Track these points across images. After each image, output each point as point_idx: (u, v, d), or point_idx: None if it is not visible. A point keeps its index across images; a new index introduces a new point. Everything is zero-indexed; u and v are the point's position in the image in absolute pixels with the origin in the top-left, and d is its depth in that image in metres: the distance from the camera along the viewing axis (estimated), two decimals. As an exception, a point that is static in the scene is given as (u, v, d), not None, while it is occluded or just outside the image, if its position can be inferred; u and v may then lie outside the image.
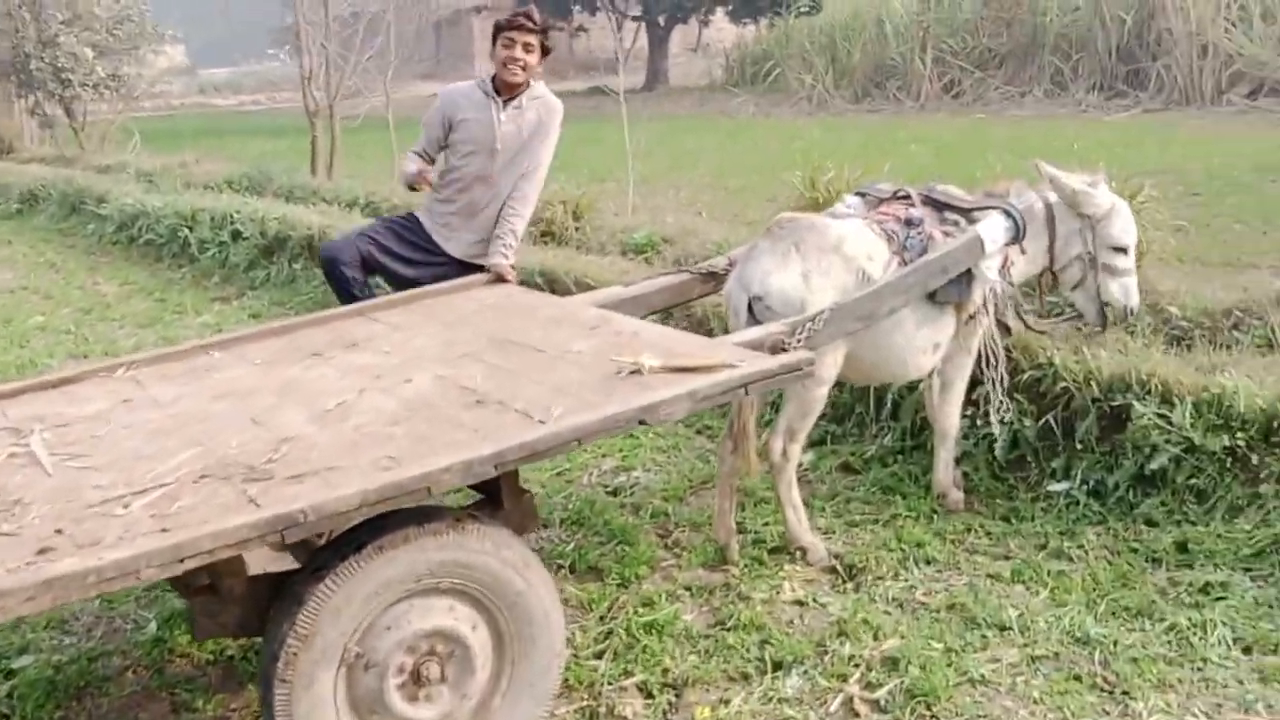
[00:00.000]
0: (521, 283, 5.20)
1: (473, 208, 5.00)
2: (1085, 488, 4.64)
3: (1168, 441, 4.39)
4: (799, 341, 3.88)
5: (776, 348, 3.79)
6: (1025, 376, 4.90)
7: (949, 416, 4.74)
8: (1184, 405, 4.39)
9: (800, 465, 5.23)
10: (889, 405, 5.39)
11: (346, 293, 4.95)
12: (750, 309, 4.20)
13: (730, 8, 32.14)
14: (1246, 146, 13.29)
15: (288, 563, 3.33)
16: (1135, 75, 19.51)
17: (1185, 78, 18.31)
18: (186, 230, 11.18)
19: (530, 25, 4.92)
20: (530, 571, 3.10)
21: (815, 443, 5.52)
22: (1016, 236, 4.45)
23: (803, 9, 26.07)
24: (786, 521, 4.43)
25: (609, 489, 5.25)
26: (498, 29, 4.96)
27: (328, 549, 2.96)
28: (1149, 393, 4.52)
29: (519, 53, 4.90)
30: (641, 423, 3.08)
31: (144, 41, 21.21)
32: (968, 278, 4.37)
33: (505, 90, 5.00)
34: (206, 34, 57.57)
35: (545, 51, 5.00)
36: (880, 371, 4.51)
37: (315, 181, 12.90)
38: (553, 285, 7.11)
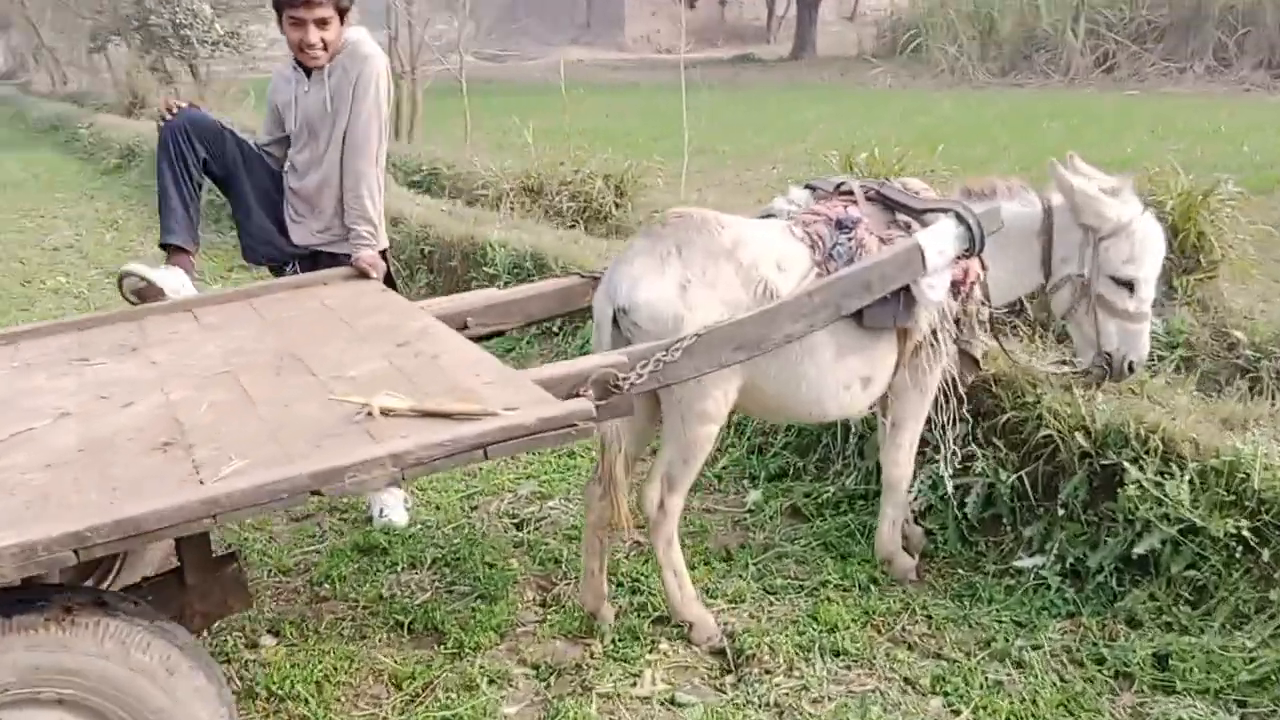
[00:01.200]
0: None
1: (307, 194, 4.23)
2: (1061, 566, 3.67)
3: (1164, 519, 3.39)
4: (640, 378, 3.04)
5: (606, 385, 2.95)
6: (1006, 418, 3.93)
7: (896, 465, 3.82)
8: (1183, 474, 3.38)
9: (744, 505, 4.42)
10: (854, 439, 4.47)
11: (174, 157, 4.10)
12: (617, 324, 3.36)
13: (882, -26, 30.65)
14: None
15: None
16: (1309, 52, 17.62)
17: (1364, 57, 16.41)
18: (237, 194, 10.74)
19: None
20: (178, 680, 2.35)
21: (773, 476, 4.65)
22: (973, 247, 3.49)
23: (955, -23, 24.55)
24: (666, 590, 3.60)
25: (515, 520, 4.46)
26: (278, 7, 4.04)
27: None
28: (1149, 452, 3.52)
29: (312, 34, 4.00)
30: (315, 493, 2.29)
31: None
32: (907, 298, 3.44)
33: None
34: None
35: (343, 12, 4.07)
36: (789, 408, 3.62)
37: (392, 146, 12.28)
38: (541, 269, 6.37)
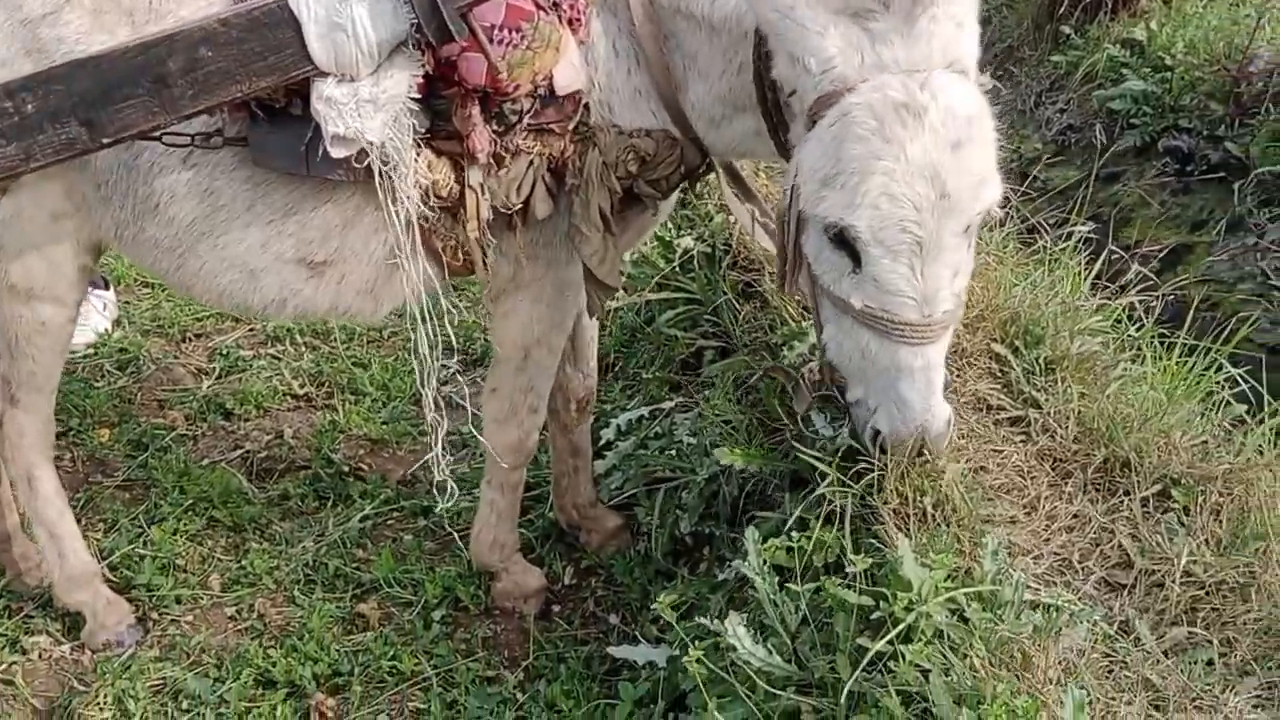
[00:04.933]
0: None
1: None
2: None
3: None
4: None
5: None
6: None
7: (492, 420, 2.19)
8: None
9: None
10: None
11: None
12: None
13: None
14: None
15: None
16: None
17: None
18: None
19: None
20: None
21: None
22: (428, 32, 1.64)
23: None
24: (44, 555, 2.23)
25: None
26: None
27: None
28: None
29: None
30: None
31: None
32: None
33: None
34: None
35: None
36: (193, 294, 2.08)
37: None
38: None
